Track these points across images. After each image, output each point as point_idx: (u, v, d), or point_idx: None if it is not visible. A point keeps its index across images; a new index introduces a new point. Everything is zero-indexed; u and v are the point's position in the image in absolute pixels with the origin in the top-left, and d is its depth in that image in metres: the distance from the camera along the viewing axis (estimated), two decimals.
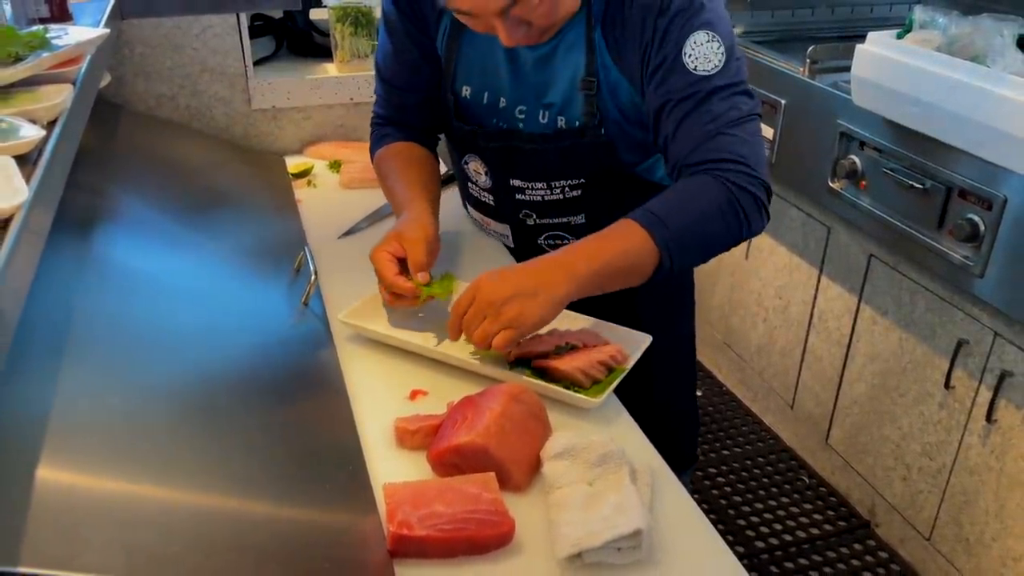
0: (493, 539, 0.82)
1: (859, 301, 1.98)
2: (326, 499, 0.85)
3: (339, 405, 1.00)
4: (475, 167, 1.32)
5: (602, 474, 0.88)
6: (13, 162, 0.77)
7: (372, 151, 1.39)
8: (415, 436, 0.95)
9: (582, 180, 1.25)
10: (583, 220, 1.30)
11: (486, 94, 1.24)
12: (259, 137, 1.81)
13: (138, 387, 0.88)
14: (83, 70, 1.07)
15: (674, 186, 1.10)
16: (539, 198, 1.28)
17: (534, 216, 1.32)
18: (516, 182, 1.28)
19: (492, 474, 0.87)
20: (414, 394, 1.06)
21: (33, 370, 0.80)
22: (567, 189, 1.26)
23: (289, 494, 0.83)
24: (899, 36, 1.72)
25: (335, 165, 1.74)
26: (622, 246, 1.04)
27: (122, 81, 1.67)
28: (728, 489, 2.20)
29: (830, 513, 2.10)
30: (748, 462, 2.29)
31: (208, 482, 0.79)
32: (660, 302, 1.35)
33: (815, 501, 2.14)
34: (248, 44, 1.73)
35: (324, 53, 1.91)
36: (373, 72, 1.82)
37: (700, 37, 1.07)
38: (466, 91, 1.26)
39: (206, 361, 0.98)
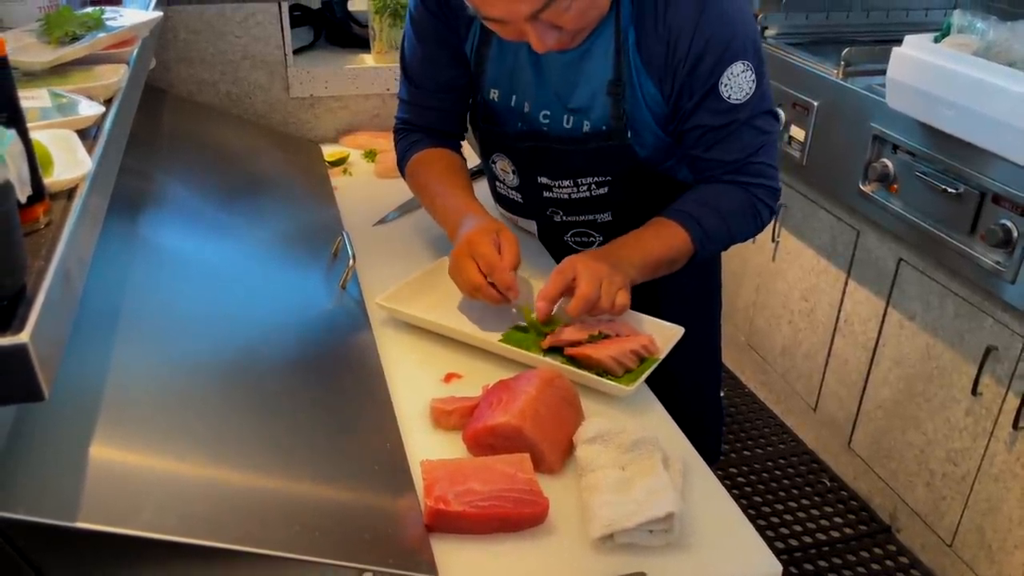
0: (527, 518, 0.84)
1: (887, 305, 1.98)
2: (367, 474, 0.87)
3: (376, 385, 1.03)
4: (503, 166, 1.34)
5: (635, 459, 0.89)
6: (76, 137, 0.79)
7: (402, 158, 1.36)
8: (450, 417, 0.97)
9: (608, 178, 1.27)
10: (609, 217, 1.32)
11: (513, 98, 1.25)
12: (296, 125, 1.84)
13: (186, 364, 0.91)
14: (136, 51, 1.09)
15: (705, 188, 1.21)
16: (566, 196, 1.30)
17: (561, 213, 1.34)
18: (543, 180, 1.30)
19: (527, 455, 0.89)
20: (449, 377, 1.08)
21: (88, 345, 0.83)
22: (593, 187, 1.28)
23: (330, 469, 0.85)
24: (937, 40, 1.72)
25: (370, 154, 1.76)
26: (667, 243, 1.17)
27: (165, 66, 1.70)
28: (748, 490, 2.20)
29: (851, 517, 2.10)
30: (769, 463, 2.29)
31: (255, 455, 0.82)
32: (686, 300, 1.36)
33: (836, 504, 2.14)
34: (289, 33, 1.76)
35: (361, 44, 1.94)
36: None
37: (736, 68, 1.12)
38: (494, 94, 1.27)
39: (250, 341, 1.01)
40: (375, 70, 1.84)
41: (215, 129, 1.69)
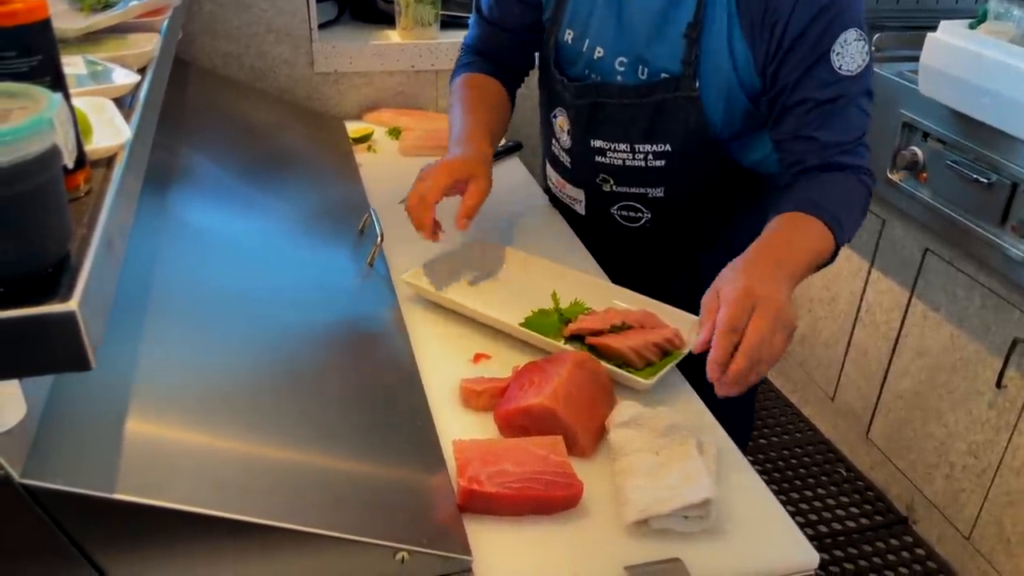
0: (560, 500, 0.83)
1: (911, 295, 1.95)
2: (397, 452, 0.86)
3: (405, 363, 1.02)
4: (561, 123, 1.29)
5: (668, 444, 0.88)
6: (112, 104, 0.78)
7: (454, 74, 1.39)
8: (481, 397, 0.96)
9: (667, 147, 1.20)
10: (661, 194, 1.26)
11: (586, 42, 1.20)
12: (320, 100, 1.82)
13: (218, 338, 0.90)
14: (167, 21, 1.08)
15: (841, 183, 1.08)
16: (620, 162, 1.24)
17: (612, 182, 1.28)
18: (598, 143, 1.24)
19: (559, 437, 0.88)
20: (477, 357, 1.07)
21: (122, 318, 0.82)
22: (650, 157, 1.22)
23: (364, 445, 0.84)
24: (972, 27, 1.69)
25: (394, 132, 1.75)
26: (818, 247, 1.03)
27: (190, 38, 1.69)
28: (764, 478, 2.15)
29: (867, 507, 2.09)
30: (785, 452, 2.28)
31: (288, 430, 0.81)
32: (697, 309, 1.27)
33: (852, 495, 2.13)
34: (314, 7, 1.74)
35: (385, 20, 1.92)
36: (434, 41, 1.83)
37: (851, 35, 1.04)
38: (569, 35, 1.22)
39: (280, 316, 1.00)
40: (400, 47, 1.82)
41: (240, 103, 1.67)
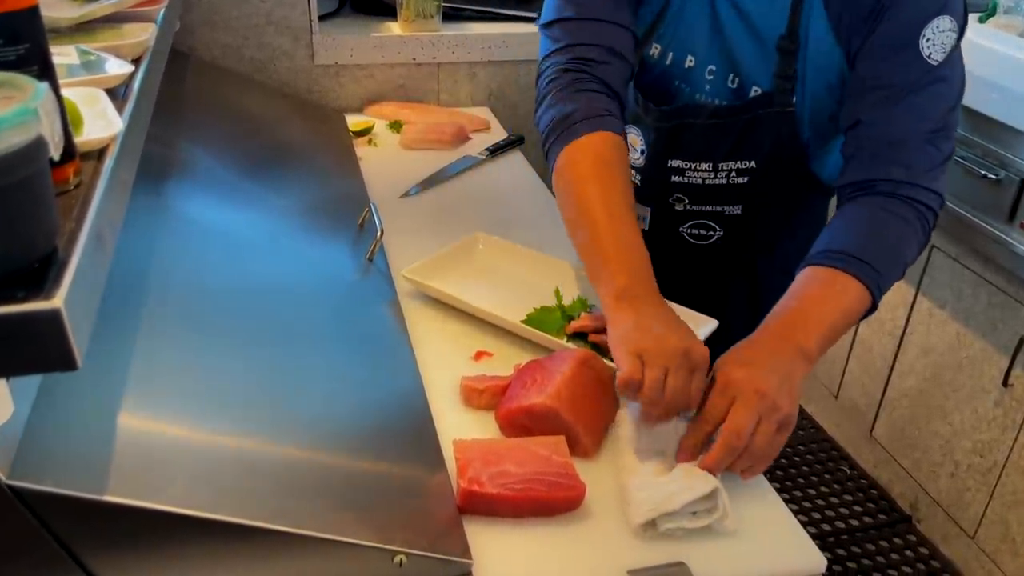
0: (563, 502, 0.81)
1: (916, 292, 1.93)
2: (397, 451, 0.84)
3: (405, 361, 1.00)
4: (632, 140, 1.20)
5: (675, 443, 0.86)
6: (105, 96, 0.76)
7: (557, 114, 1.04)
8: (482, 395, 0.94)
9: (752, 164, 1.13)
10: (739, 211, 1.18)
11: (672, 53, 1.11)
12: (320, 93, 1.80)
13: (214, 334, 0.88)
14: (163, 10, 1.06)
15: (873, 218, 0.96)
16: (699, 181, 1.16)
17: (686, 201, 1.19)
18: (676, 163, 1.16)
19: (562, 438, 0.86)
20: (479, 355, 1.05)
21: (114, 313, 0.81)
22: (734, 174, 1.14)
23: (361, 444, 0.82)
24: (981, 20, 1.67)
25: (395, 125, 1.73)
26: (843, 305, 0.90)
27: (188, 29, 1.67)
28: (767, 476, 2.17)
29: (870, 506, 2.08)
30: (788, 450, 2.26)
31: (283, 429, 0.79)
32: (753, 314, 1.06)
33: (855, 493, 2.12)
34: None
35: (387, 11, 1.89)
36: (436, 33, 1.81)
37: (944, 23, 0.95)
38: (655, 50, 1.12)
39: (278, 311, 0.98)
40: (401, 39, 1.80)
41: (239, 96, 1.65)
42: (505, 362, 1.02)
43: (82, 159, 0.67)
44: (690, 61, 1.11)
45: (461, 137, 1.68)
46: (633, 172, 1.21)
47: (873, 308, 0.94)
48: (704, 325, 1.07)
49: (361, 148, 1.63)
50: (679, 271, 1.20)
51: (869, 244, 0.93)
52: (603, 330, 1.02)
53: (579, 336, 1.04)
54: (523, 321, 1.07)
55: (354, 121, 1.73)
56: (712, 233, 1.22)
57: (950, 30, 0.96)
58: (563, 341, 1.03)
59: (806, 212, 1.24)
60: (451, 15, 1.88)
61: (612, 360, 0.99)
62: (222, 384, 0.81)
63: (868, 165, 0.99)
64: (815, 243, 0.98)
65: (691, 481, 0.80)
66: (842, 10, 1.00)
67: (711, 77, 1.11)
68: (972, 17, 1.67)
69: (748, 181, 1.15)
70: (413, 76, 1.84)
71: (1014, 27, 1.63)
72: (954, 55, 0.98)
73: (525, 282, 1.18)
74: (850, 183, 1.01)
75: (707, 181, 1.16)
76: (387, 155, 1.63)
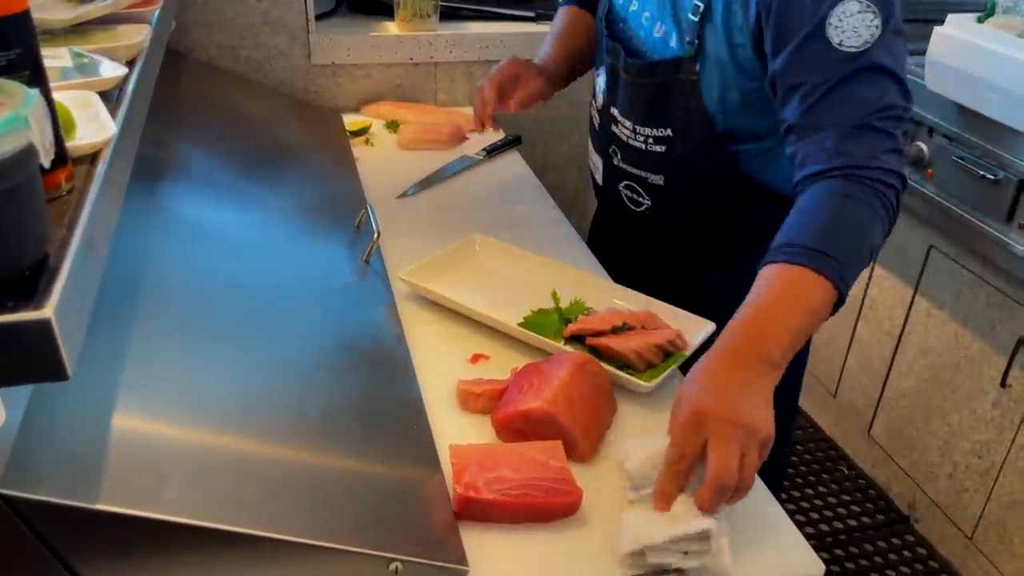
0: (560, 508, 0.81)
1: (915, 292, 1.93)
2: (392, 456, 0.84)
3: (401, 364, 0.99)
4: (599, 81, 1.27)
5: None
6: (98, 98, 0.76)
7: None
8: (479, 399, 0.94)
9: (668, 132, 1.13)
10: (661, 182, 1.19)
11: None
12: (317, 92, 1.79)
13: (209, 337, 0.88)
14: (158, 11, 1.05)
15: (831, 205, 0.90)
16: (624, 138, 1.20)
17: (619, 155, 1.23)
18: (614, 111, 1.21)
19: (559, 442, 0.86)
20: (475, 358, 1.05)
21: (108, 317, 0.80)
22: (651, 141, 1.16)
23: (357, 449, 0.82)
24: (980, 20, 1.66)
25: (392, 125, 1.72)
26: (809, 306, 0.85)
27: (184, 29, 1.66)
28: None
29: (868, 506, 2.07)
30: (785, 449, 2.26)
31: (279, 432, 0.79)
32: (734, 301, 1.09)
33: (853, 493, 2.11)
34: None
35: (384, 11, 1.89)
36: (433, 33, 1.81)
37: (850, 7, 0.90)
38: (631, 4, 1.18)
39: (274, 314, 0.98)
40: (399, 38, 1.79)
41: (235, 96, 1.65)
42: (502, 365, 1.02)
43: (75, 164, 0.66)
44: (634, 4, 1.17)
45: (458, 137, 1.68)
46: (596, 114, 1.30)
47: (841, 301, 0.88)
48: (703, 328, 1.07)
49: (358, 148, 1.63)
50: (626, 254, 1.33)
51: (829, 235, 0.87)
52: (601, 333, 1.02)
53: (577, 339, 1.04)
54: (520, 324, 1.06)
55: (351, 121, 1.72)
56: (642, 200, 1.22)
57: (861, 12, 0.90)
58: (561, 344, 1.03)
59: (757, 228, 1.10)
60: (449, 14, 1.88)
61: (610, 363, 0.99)
62: (215, 390, 0.81)
63: (814, 161, 0.93)
64: (775, 236, 0.92)
65: (685, 517, 0.76)
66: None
67: (646, 24, 1.14)
68: (970, 17, 1.67)
69: (665, 151, 1.15)
70: (410, 75, 1.83)
71: (1013, 27, 1.62)
72: (887, 38, 0.91)
73: (523, 284, 1.17)
74: (800, 180, 0.96)
75: (630, 141, 1.20)
76: (384, 155, 1.62)
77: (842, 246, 0.87)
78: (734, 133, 1.12)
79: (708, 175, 1.15)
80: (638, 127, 1.17)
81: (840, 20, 0.91)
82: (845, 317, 2.17)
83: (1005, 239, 1.61)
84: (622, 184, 1.25)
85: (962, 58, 1.63)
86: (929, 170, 1.79)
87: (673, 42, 1.09)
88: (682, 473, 0.78)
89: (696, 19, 1.04)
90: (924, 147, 1.80)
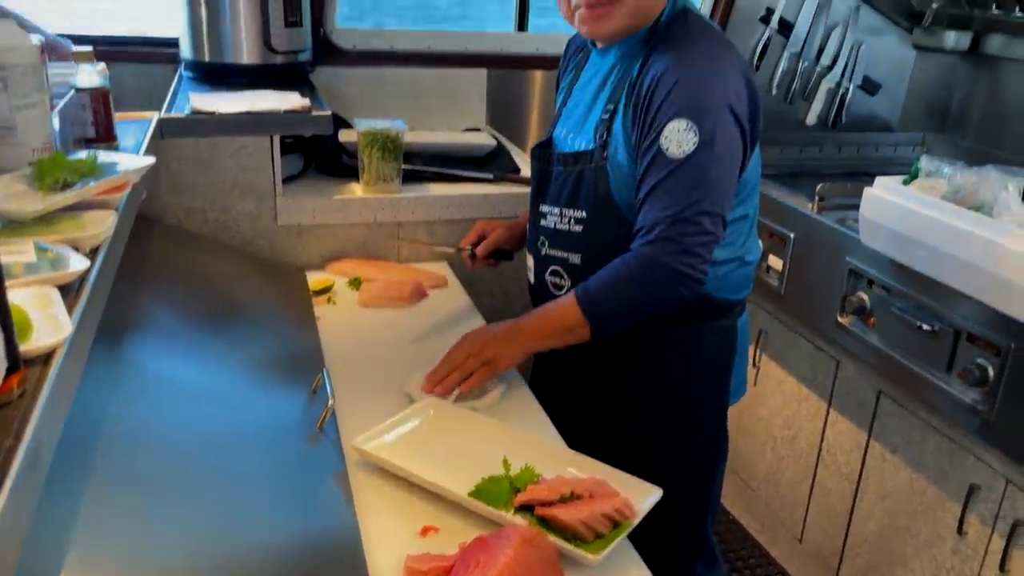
0: None
1: (868, 437, 1.97)
2: None
3: (349, 541, 1.00)
4: (531, 192, 1.50)
5: None
6: (58, 295, 0.80)
7: None
8: None
9: (583, 214, 1.37)
10: (579, 261, 1.39)
11: (556, 124, 1.46)
12: (283, 251, 1.86)
13: (157, 504, 0.89)
14: (126, 197, 1.11)
15: (614, 265, 1.27)
16: (551, 225, 1.42)
17: (546, 245, 1.44)
18: (543, 207, 1.44)
19: None
20: (425, 530, 1.05)
21: (65, 470, 0.81)
22: (572, 221, 1.38)
23: None
24: (905, 183, 1.78)
25: (355, 282, 1.78)
26: (559, 315, 1.30)
27: (155, 195, 1.73)
28: None
29: None
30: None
31: None
32: (652, 426, 1.45)
33: None
34: (279, 165, 1.80)
35: (351, 173, 1.98)
36: (396, 195, 1.90)
37: (680, 125, 1.20)
38: (561, 131, 1.45)
39: (222, 475, 1.00)
40: (363, 200, 1.88)
41: (201, 256, 1.70)
42: (452, 537, 1.03)
43: (29, 364, 0.70)
44: (561, 128, 1.44)
45: (419, 294, 1.74)
46: (530, 223, 1.49)
47: (594, 327, 1.28)
48: (650, 494, 1.10)
49: (320, 307, 1.67)
50: (557, 366, 1.53)
51: (598, 278, 1.28)
52: (550, 503, 1.04)
53: (526, 508, 1.05)
54: (471, 493, 1.08)
55: (314, 280, 1.78)
56: (563, 283, 1.43)
57: (686, 129, 1.20)
58: (510, 515, 1.04)
59: (673, 342, 1.42)
60: (411, 177, 1.98)
61: (558, 535, 1.00)
62: (162, 543, 0.81)
63: (637, 234, 1.26)
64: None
65: None
66: (637, 87, 1.27)
67: (569, 138, 1.40)
68: (897, 179, 1.79)
69: (582, 230, 1.38)
70: (374, 234, 1.91)
71: (936, 189, 1.73)
72: (708, 148, 1.20)
73: (475, 450, 1.19)
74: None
75: (557, 225, 1.42)
76: (345, 314, 1.67)
77: (601, 288, 1.27)
78: (628, 202, 1.33)
79: (617, 249, 1.31)
80: (564, 210, 1.40)
81: (670, 133, 1.21)
82: (805, 460, 2.20)
83: (947, 388, 1.67)
84: (548, 271, 1.45)
85: (891, 217, 1.74)
86: (872, 319, 1.87)
87: (588, 139, 1.36)
88: (444, 370, 1.33)
89: (606, 117, 1.32)
90: (865, 297, 1.88)
